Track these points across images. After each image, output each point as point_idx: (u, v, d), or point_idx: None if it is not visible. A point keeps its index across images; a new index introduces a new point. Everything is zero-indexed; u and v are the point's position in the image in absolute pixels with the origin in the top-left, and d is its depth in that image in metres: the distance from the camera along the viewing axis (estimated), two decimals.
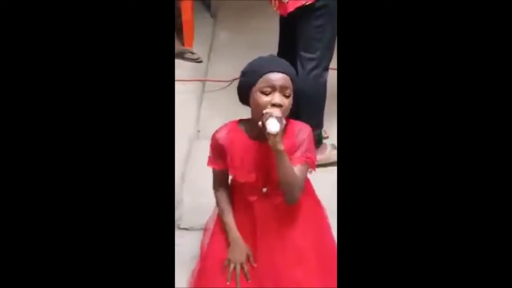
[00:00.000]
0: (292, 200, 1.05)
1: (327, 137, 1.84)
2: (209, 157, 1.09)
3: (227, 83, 1.97)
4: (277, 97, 0.98)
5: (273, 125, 0.93)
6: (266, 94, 0.99)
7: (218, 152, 1.06)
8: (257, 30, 2.30)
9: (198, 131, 1.80)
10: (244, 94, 1.04)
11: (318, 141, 1.71)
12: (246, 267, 1.07)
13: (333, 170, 1.62)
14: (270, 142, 0.97)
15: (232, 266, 1.07)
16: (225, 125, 1.11)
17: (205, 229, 1.23)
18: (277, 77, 0.99)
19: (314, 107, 1.57)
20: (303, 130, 1.07)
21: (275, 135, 0.94)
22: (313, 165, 1.06)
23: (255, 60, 1.07)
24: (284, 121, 0.97)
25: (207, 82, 2.13)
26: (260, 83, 0.99)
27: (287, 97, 1.01)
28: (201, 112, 1.87)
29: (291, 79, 1.01)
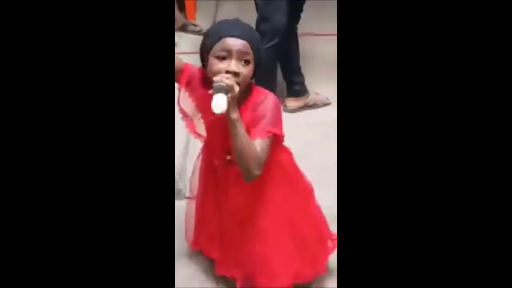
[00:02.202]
0: (248, 176, 0.92)
1: (329, 103, 1.92)
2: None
3: None
4: (233, 64, 0.87)
5: (218, 103, 0.83)
6: (222, 60, 0.89)
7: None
8: None
9: None
10: (203, 59, 0.95)
11: (300, 92, 1.90)
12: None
13: (310, 113, 1.89)
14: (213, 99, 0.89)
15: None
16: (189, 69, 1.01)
17: (191, 192, 1.24)
18: (234, 42, 0.88)
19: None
20: (267, 99, 0.95)
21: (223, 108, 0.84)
22: (279, 137, 0.96)
23: (217, 23, 0.97)
24: (237, 89, 0.86)
25: None
26: (216, 47, 0.89)
27: (246, 64, 0.89)
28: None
29: (252, 47, 0.90)
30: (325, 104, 1.89)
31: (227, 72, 0.87)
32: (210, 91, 0.85)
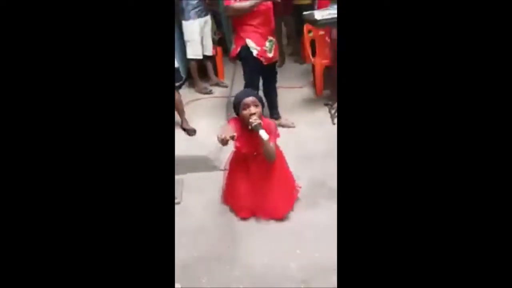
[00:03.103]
0: (271, 160, 1.87)
1: (293, 126, 3.06)
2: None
3: None
4: (252, 109, 1.80)
5: (264, 135, 1.69)
6: (246, 109, 1.81)
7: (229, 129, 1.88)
8: None
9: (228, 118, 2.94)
10: (236, 108, 1.90)
11: (277, 118, 3.07)
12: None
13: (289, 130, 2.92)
14: (259, 133, 1.73)
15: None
16: (235, 120, 1.93)
17: (225, 169, 2.22)
18: (248, 99, 1.83)
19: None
20: (270, 123, 1.90)
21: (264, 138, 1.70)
22: (276, 140, 1.89)
23: (239, 92, 1.96)
24: (261, 120, 1.75)
25: (231, 98, 3.57)
26: (242, 105, 1.83)
27: (257, 107, 1.82)
28: (227, 114, 3.18)
29: (257, 98, 1.86)
30: (290, 126, 3.06)
31: (251, 114, 1.76)
32: (250, 127, 1.75)
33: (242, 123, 1.90)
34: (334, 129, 3.01)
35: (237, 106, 1.89)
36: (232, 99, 3.34)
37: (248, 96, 1.87)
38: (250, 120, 1.78)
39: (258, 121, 1.78)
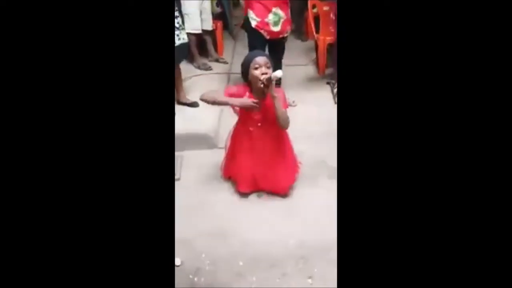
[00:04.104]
0: (285, 127, 1.81)
1: (295, 105, 3.00)
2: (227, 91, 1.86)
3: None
4: (263, 69, 1.70)
5: (279, 73, 1.62)
6: (257, 69, 1.71)
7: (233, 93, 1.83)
8: None
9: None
10: (245, 71, 1.78)
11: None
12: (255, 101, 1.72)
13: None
14: (270, 93, 1.66)
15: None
16: (239, 86, 1.87)
17: (225, 146, 2.11)
18: (260, 59, 1.73)
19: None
20: (279, 91, 1.79)
21: (273, 85, 1.64)
22: (286, 108, 1.80)
23: (249, 53, 1.88)
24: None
25: (231, 74, 3.62)
26: (253, 64, 1.73)
27: (268, 68, 1.71)
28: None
29: (269, 60, 1.76)
30: (292, 105, 2.87)
31: (262, 74, 1.67)
32: (262, 85, 1.69)
33: (249, 87, 1.84)
34: (336, 108, 2.98)
35: (246, 66, 1.79)
36: (232, 76, 3.41)
37: (258, 55, 1.80)
38: (261, 78, 1.72)
39: (268, 75, 1.72)
